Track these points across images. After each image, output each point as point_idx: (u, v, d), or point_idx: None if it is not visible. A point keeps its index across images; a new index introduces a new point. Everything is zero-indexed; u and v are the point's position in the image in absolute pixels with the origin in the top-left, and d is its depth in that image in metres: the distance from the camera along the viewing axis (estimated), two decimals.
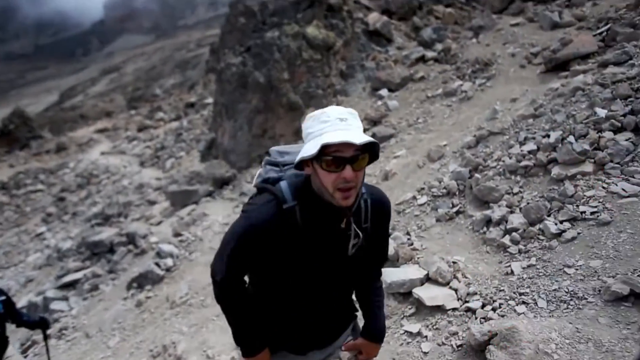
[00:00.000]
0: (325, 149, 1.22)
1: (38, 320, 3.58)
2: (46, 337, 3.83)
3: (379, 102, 7.58)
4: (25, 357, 5.66)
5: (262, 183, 1.47)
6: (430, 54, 8.57)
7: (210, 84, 22.99)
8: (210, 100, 18.54)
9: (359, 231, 1.44)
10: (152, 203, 8.72)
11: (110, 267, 6.73)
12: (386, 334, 3.29)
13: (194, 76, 35.58)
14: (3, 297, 3.12)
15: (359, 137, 1.23)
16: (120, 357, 4.95)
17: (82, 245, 7.78)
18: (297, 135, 8.11)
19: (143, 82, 44.63)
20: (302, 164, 1.33)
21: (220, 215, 6.62)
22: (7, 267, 10.09)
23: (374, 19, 9.70)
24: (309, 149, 1.25)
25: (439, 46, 8.76)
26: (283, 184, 1.40)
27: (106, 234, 7.45)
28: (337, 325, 1.71)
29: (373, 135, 6.67)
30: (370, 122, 7.12)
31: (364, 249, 1.51)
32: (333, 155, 1.23)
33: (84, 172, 15.73)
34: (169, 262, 5.83)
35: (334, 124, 1.25)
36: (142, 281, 5.81)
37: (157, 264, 5.82)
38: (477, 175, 4.52)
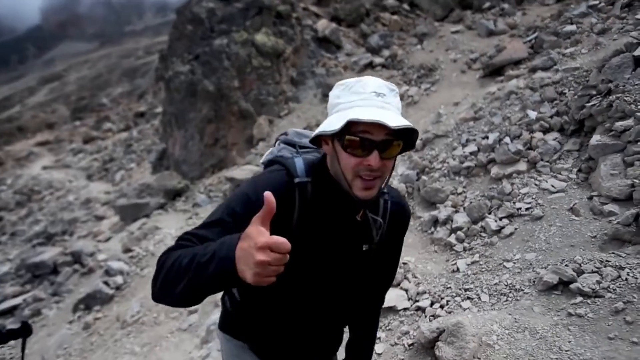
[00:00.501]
0: (351, 126, 0.99)
1: (18, 328, 3.34)
2: (24, 346, 3.53)
3: None
4: None
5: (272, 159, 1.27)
6: (378, 59, 8.81)
7: (161, 92, 22.24)
8: (161, 109, 17.94)
9: (380, 220, 1.20)
10: (100, 218, 8.28)
11: (53, 289, 6.30)
12: None
13: (143, 84, 34.25)
14: None
15: (395, 119, 0.98)
16: None
17: (21, 268, 7.21)
18: (249, 143, 8.03)
19: (88, 91, 42.30)
20: (320, 139, 1.10)
21: (173, 228, 6.41)
22: None
23: (323, 25, 9.83)
24: (332, 122, 1.01)
25: (386, 52, 9.02)
26: (297, 160, 1.17)
27: (49, 254, 6.97)
28: (325, 352, 1.42)
29: None
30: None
31: (372, 259, 1.26)
32: (360, 136, 0.99)
33: (24, 188, 14.66)
34: (119, 279, 5.56)
35: (368, 98, 1.01)
36: (90, 302, 5.49)
37: (105, 283, 5.52)
38: (424, 177, 4.69)
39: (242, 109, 8.30)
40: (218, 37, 9.03)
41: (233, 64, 8.55)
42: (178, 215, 6.85)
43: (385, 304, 3.23)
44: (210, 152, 8.06)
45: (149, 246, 6.08)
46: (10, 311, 5.86)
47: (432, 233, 4.04)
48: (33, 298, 6.22)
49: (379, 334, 3.12)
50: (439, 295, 3.18)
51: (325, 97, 8.30)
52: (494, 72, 6.41)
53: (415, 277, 3.50)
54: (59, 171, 15.49)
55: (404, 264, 3.63)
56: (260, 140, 7.92)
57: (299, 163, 1.16)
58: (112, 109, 24.46)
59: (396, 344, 2.98)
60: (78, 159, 15.98)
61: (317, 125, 7.23)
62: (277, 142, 1.35)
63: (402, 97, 7.20)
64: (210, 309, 4.67)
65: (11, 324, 5.36)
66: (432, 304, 3.15)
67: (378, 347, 3.03)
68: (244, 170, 6.71)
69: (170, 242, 6.05)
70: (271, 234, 0.83)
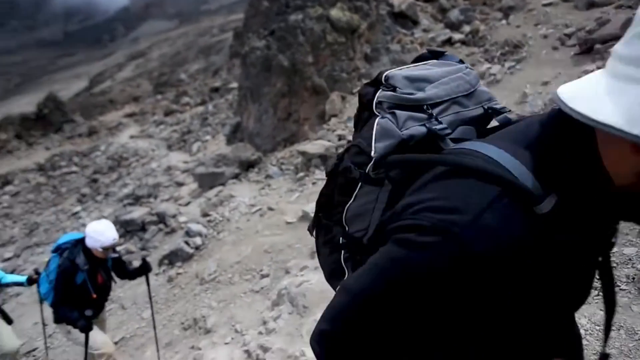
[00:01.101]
0: None
1: (140, 266, 4.05)
2: (148, 282, 4.26)
3: None
4: None
5: (405, 155, 0.72)
6: (457, 36, 8.34)
7: (234, 68, 23.09)
8: (234, 84, 18.65)
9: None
10: (180, 185, 8.94)
11: (142, 244, 6.98)
12: None
13: (217, 61, 35.75)
14: (116, 255, 3.70)
15: None
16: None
17: (115, 224, 8.04)
18: (321, 119, 8.10)
19: (168, 67, 45.13)
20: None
21: (246, 197, 6.74)
22: (47, 244, 10.59)
23: (400, 0, 9.48)
24: None
25: (466, 28, 8.50)
26: (501, 153, 0.61)
27: (138, 213, 7.70)
28: None
29: None
30: None
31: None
32: None
33: (115, 154, 16.20)
34: (198, 241, 6.00)
35: None
36: (173, 258, 6.01)
37: (186, 243, 6.00)
38: None
39: (315, 85, 8.36)
40: (293, 13, 9.08)
41: (307, 39, 8.59)
42: (251, 185, 7.18)
43: None
44: (283, 126, 8.28)
45: (225, 212, 6.46)
46: None
47: None
48: (126, 250, 6.95)
49: None
50: None
51: None
52: (592, 48, 5.78)
53: None
54: (143, 140, 16.87)
55: None
56: (333, 116, 7.96)
57: (514, 163, 0.60)
58: (190, 84, 25.92)
59: None
60: (159, 130, 17.24)
61: None
62: (378, 98, 0.79)
63: (483, 76, 6.78)
64: (281, 275, 4.89)
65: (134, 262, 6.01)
66: None
67: None
68: (316, 145, 6.81)
69: (244, 210, 6.40)
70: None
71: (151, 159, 13.80)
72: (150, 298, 4.40)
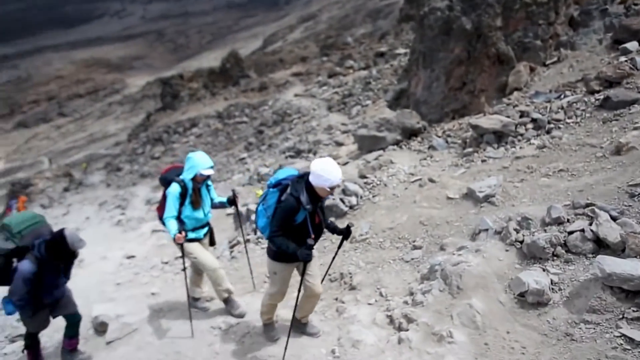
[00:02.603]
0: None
1: (343, 228, 4.59)
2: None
3: (622, 58, 6.17)
4: (231, 252, 7.11)
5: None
6: None
7: (402, 34, 22.64)
8: (401, 50, 18.35)
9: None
10: (339, 144, 9.42)
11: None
12: (594, 331, 2.91)
13: (384, 26, 35.58)
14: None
15: None
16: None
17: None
18: (501, 92, 7.37)
19: (335, 30, 47.00)
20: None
21: (406, 165, 6.70)
22: (219, 181, 12.57)
23: None
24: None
25: None
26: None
27: (299, 165, 8.46)
28: None
29: (606, 99, 5.55)
30: (605, 83, 5.90)
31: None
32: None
33: (280, 110, 17.92)
34: (353, 200, 6.28)
35: None
36: (328, 213, 6.44)
37: (342, 200, 6.34)
38: None
39: (500, 52, 7.60)
40: None
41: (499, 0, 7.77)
42: (412, 154, 7.09)
43: None
44: (454, 96, 7.82)
45: (383, 177, 6.57)
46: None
47: None
48: None
49: None
50: None
51: (616, 43, 6.69)
52: None
53: None
54: (306, 99, 18.17)
55: None
56: (516, 90, 7.16)
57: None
58: (355, 47, 26.52)
59: None
60: (322, 91, 18.28)
61: (598, 79, 5.97)
62: None
63: None
64: (435, 250, 4.80)
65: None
66: None
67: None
68: (492, 120, 6.27)
69: (403, 177, 6.39)
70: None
71: (312, 118, 14.80)
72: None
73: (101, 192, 19.46)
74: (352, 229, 3.79)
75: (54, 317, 4.26)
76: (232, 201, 4.81)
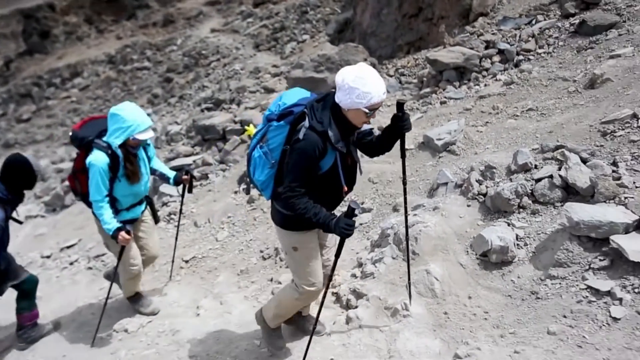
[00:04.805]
0: None
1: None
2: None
3: None
4: None
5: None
6: None
7: None
8: None
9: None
10: (269, 91, 9.31)
11: (221, 157, 7.58)
12: (559, 286, 3.24)
13: None
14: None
15: None
16: (228, 252, 5.77)
17: (192, 129, 8.84)
18: (464, 18, 7.59)
19: None
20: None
21: None
22: None
23: None
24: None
25: None
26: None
27: (218, 118, 8.29)
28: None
29: (582, 24, 5.92)
30: (581, 4, 6.28)
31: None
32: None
33: (192, 51, 17.30)
34: None
35: None
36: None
37: None
38: None
39: None
40: None
41: None
42: None
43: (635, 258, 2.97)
44: (409, 26, 7.95)
45: None
46: (181, 169, 7.35)
47: None
48: (202, 161, 7.64)
49: (621, 294, 2.96)
50: None
51: None
52: None
53: None
54: (226, 36, 17.64)
55: None
56: (481, 15, 7.41)
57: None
58: None
59: None
60: (247, 24, 17.81)
61: (574, 0, 6.33)
62: None
63: None
64: (388, 212, 5.00)
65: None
66: None
67: (615, 311, 2.91)
68: (453, 53, 6.48)
69: None
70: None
71: (234, 59, 14.48)
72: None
73: None
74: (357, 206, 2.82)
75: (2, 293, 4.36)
76: (180, 182, 4.56)
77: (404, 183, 3.48)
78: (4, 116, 21.29)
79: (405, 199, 3.57)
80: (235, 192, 6.79)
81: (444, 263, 3.88)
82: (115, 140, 3.87)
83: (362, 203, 5.35)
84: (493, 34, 6.89)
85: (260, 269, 5.26)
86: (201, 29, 20.19)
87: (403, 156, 3.33)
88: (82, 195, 4.22)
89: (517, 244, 3.74)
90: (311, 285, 3.21)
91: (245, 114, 8.15)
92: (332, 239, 3.40)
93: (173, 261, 5.50)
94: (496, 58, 6.48)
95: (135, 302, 4.81)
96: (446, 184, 4.71)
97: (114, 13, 27.47)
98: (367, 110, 2.65)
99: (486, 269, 3.74)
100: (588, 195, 3.69)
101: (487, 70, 6.39)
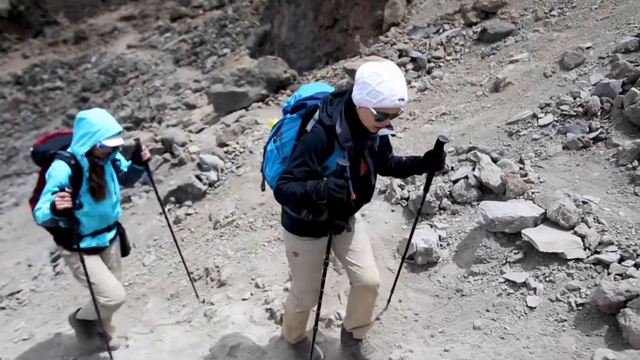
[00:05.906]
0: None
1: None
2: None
3: None
4: (55, 266, 6.50)
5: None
6: None
7: None
8: None
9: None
10: (191, 107, 9.11)
11: (143, 177, 7.28)
12: (481, 281, 3.38)
13: None
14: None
15: None
16: (156, 277, 5.52)
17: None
18: (377, 29, 7.83)
19: None
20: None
21: None
22: (29, 174, 11.29)
23: None
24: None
25: None
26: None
27: (139, 138, 7.96)
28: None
29: (483, 32, 6.31)
30: (481, 14, 6.69)
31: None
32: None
33: (109, 68, 16.63)
34: (213, 175, 6.18)
35: None
36: (181, 196, 6.26)
37: (198, 177, 6.19)
38: (635, 89, 4.17)
39: None
40: None
41: None
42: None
43: (548, 249, 3.17)
44: (326, 37, 8.07)
45: (247, 142, 6.57)
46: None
47: (635, 169, 3.67)
48: None
49: (535, 283, 3.12)
50: (635, 251, 2.98)
51: None
52: None
53: (600, 223, 3.31)
54: (144, 52, 17.12)
55: (584, 202, 3.45)
56: (393, 25, 7.68)
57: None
58: None
59: (558, 299, 2.96)
60: (165, 39, 17.38)
61: (475, 9, 6.70)
62: None
63: None
64: None
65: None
66: (621, 259, 2.98)
67: (531, 300, 3.04)
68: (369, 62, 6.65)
69: None
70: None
71: (154, 76, 14.09)
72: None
73: None
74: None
75: None
76: (137, 155, 3.86)
77: (418, 213, 3.40)
78: None
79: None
80: (161, 214, 6.54)
81: None
82: (81, 147, 3.37)
83: None
84: (405, 43, 7.16)
85: (191, 291, 5.08)
86: (117, 46, 19.47)
87: (426, 190, 3.18)
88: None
89: (441, 245, 3.87)
90: (301, 293, 3.15)
91: (167, 132, 7.90)
92: (359, 243, 3.03)
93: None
94: (410, 66, 6.73)
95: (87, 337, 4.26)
96: None
97: (18, 31, 25.77)
98: (375, 112, 2.36)
99: (414, 272, 3.84)
100: (500, 193, 3.89)
101: None
